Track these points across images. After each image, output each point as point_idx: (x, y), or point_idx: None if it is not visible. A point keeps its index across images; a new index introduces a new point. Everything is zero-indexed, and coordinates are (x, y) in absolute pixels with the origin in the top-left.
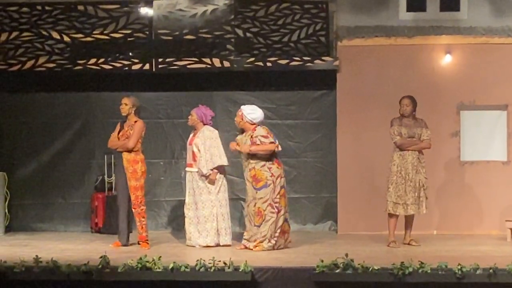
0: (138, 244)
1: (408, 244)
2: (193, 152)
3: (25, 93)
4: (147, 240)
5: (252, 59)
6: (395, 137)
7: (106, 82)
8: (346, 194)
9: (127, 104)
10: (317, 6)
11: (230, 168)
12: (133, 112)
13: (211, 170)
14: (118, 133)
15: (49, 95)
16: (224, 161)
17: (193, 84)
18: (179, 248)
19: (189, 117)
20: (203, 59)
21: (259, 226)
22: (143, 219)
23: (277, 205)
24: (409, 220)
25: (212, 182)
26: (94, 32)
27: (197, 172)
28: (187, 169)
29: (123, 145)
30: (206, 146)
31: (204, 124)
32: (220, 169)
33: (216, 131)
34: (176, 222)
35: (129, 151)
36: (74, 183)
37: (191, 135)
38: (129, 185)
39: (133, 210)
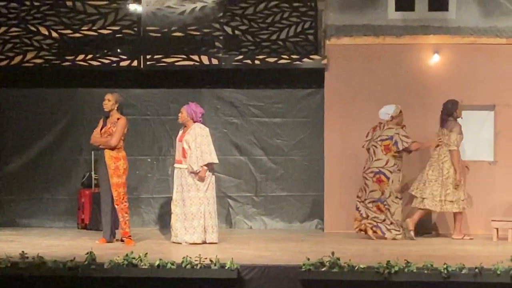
0: (122, 240)
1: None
2: (183, 148)
3: (13, 89)
4: (130, 236)
5: (241, 56)
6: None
7: (94, 78)
8: (333, 193)
9: (110, 100)
10: (305, 4)
11: (217, 166)
12: (115, 108)
13: (201, 166)
14: (101, 129)
15: (37, 91)
16: (214, 158)
17: (181, 81)
18: (165, 245)
19: (179, 114)
20: (192, 56)
21: None
22: (126, 215)
23: None
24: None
25: (201, 179)
26: (83, 28)
27: (186, 168)
28: (176, 165)
29: (106, 143)
30: (197, 143)
31: (194, 122)
32: (210, 166)
33: (207, 129)
34: (163, 219)
35: (112, 148)
36: (61, 179)
37: (180, 132)
38: (111, 182)
39: (116, 206)
